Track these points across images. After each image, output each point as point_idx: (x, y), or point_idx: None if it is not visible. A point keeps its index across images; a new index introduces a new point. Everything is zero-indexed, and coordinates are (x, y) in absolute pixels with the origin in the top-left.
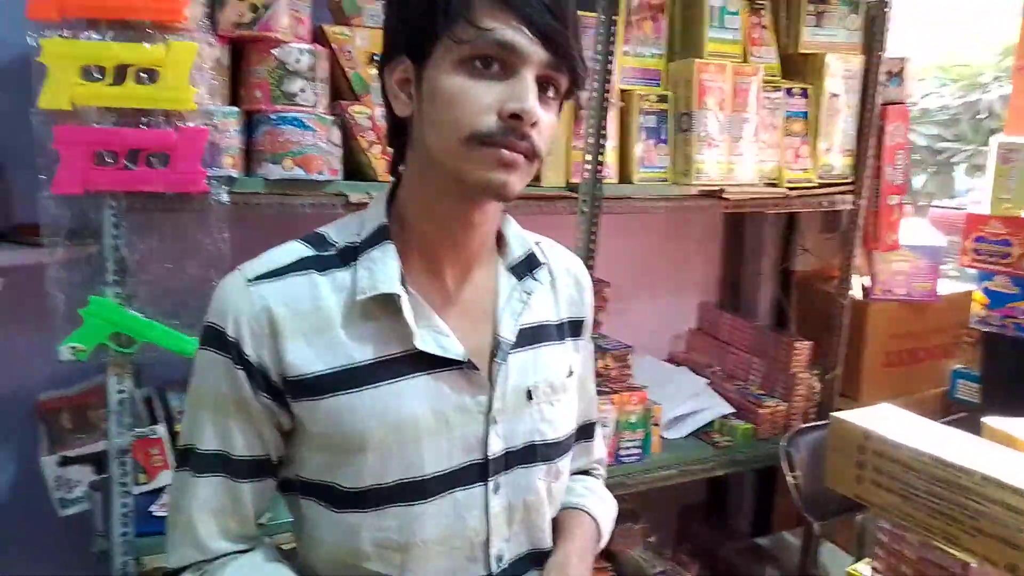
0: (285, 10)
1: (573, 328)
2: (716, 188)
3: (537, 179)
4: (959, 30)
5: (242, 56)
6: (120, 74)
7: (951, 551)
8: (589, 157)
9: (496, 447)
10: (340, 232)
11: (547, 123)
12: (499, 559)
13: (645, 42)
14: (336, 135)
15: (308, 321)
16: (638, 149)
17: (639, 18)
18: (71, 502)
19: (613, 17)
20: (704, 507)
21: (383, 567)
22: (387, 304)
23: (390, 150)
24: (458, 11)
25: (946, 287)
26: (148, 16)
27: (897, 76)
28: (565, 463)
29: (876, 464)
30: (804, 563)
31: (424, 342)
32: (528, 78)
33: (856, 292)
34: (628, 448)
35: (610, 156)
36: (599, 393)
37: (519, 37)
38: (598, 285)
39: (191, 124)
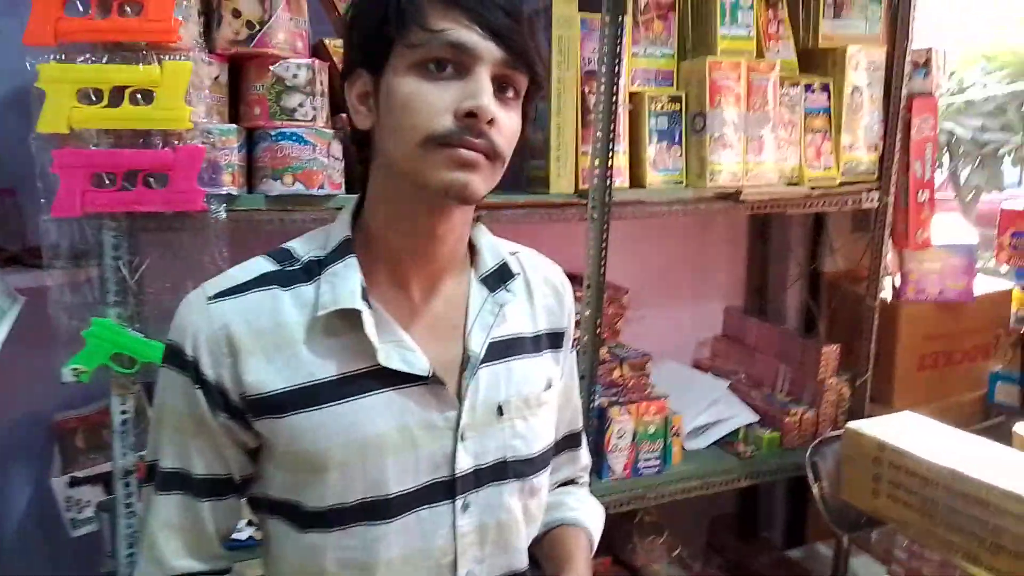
0: (282, 26)
1: (552, 340)
2: (733, 190)
3: (546, 186)
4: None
5: (240, 73)
6: (117, 96)
7: (971, 569)
8: (598, 162)
9: (464, 464)
10: (305, 246)
11: (507, 123)
12: None
13: (655, 42)
14: (337, 148)
15: (268, 338)
16: (650, 152)
17: (648, 18)
18: (81, 522)
19: (620, 17)
20: (734, 518)
21: None
22: (350, 319)
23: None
24: (409, 16)
25: (983, 285)
26: (142, 38)
27: (924, 67)
28: (542, 479)
29: (892, 477)
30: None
31: (387, 358)
32: (482, 76)
33: (887, 293)
34: (647, 460)
35: (621, 160)
36: (617, 404)
37: (471, 36)
38: (616, 292)
39: (189, 143)
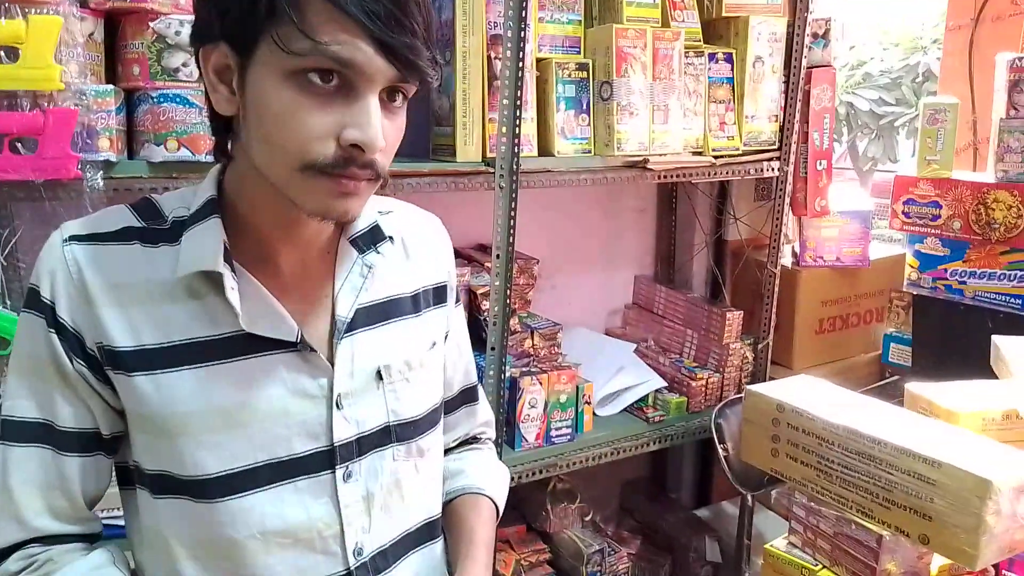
0: None
1: (436, 295)
2: (640, 159)
3: (452, 154)
4: None
5: (117, 30)
6: None
7: (865, 524)
8: (505, 129)
9: (344, 432)
10: (171, 203)
11: (393, 134)
12: (357, 552)
13: (562, 8)
14: None
15: (126, 293)
16: (558, 120)
17: None
18: None
19: None
20: (646, 481)
21: (219, 563)
22: (213, 282)
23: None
24: (284, 11)
25: (878, 251)
26: None
27: (823, 38)
28: (429, 439)
29: (790, 437)
30: (740, 533)
31: (252, 323)
32: (371, 101)
33: (787, 260)
34: (559, 428)
35: (529, 128)
36: (528, 374)
37: (360, 55)
38: (526, 262)
39: (60, 105)
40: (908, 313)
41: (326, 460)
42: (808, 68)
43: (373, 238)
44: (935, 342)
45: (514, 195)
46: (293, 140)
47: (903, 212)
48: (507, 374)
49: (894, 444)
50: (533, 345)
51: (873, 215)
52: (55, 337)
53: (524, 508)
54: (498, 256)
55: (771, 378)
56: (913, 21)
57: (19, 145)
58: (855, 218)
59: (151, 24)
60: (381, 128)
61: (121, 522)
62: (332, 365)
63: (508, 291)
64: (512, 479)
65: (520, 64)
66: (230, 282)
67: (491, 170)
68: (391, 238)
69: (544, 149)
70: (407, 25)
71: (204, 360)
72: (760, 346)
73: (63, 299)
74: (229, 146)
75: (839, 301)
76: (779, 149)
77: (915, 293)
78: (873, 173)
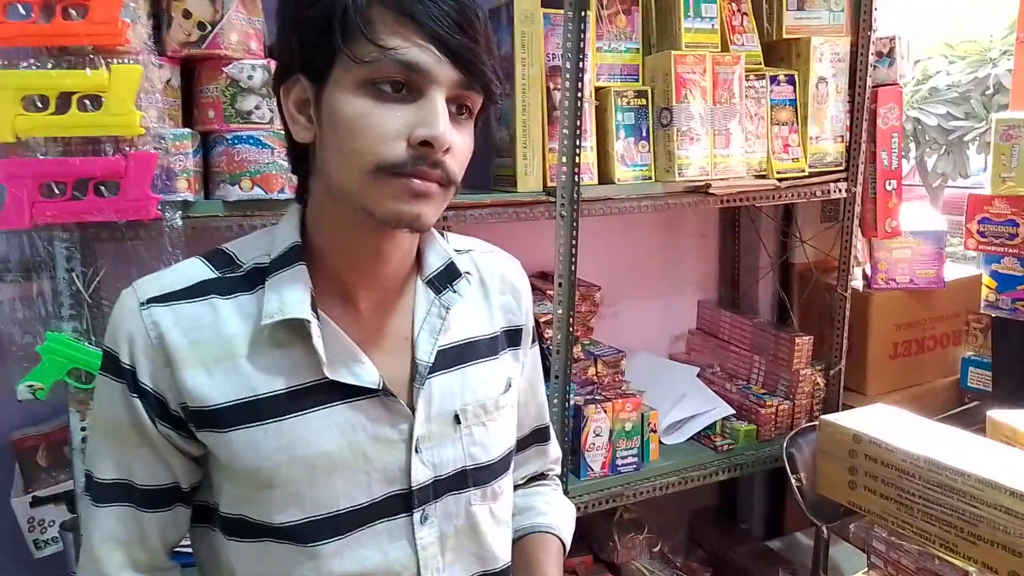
0: (235, 26)
1: (511, 338)
2: (702, 183)
3: (513, 185)
4: (965, 4)
5: (193, 76)
6: (64, 102)
7: (949, 559)
8: (565, 159)
9: (421, 476)
10: (247, 250)
11: (462, 146)
12: None
13: (619, 37)
14: None
15: (207, 350)
16: (618, 147)
17: (612, 12)
18: (45, 543)
19: (583, 12)
20: (714, 511)
21: None
22: (297, 331)
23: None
24: (357, 26)
25: (953, 272)
26: (88, 41)
27: (887, 56)
28: (503, 483)
29: (868, 468)
30: (816, 566)
31: (335, 371)
32: (438, 100)
33: (858, 283)
34: (625, 457)
35: (589, 156)
36: (592, 402)
37: (426, 57)
38: (588, 290)
39: (141, 149)
40: (987, 336)
41: (403, 503)
42: (873, 87)
43: (449, 276)
44: (1016, 366)
45: (575, 223)
46: (365, 143)
47: (978, 231)
48: (571, 402)
49: (978, 476)
50: (597, 373)
51: (946, 234)
52: (137, 401)
53: (590, 538)
54: (560, 284)
55: (845, 405)
56: (980, 33)
57: (103, 188)
58: (928, 238)
59: (224, 69)
60: (448, 127)
61: (189, 549)
62: (412, 409)
63: (571, 319)
64: (578, 509)
65: (579, 94)
66: (316, 330)
67: (552, 199)
68: (468, 274)
69: (604, 177)
70: (469, 32)
71: (289, 412)
72: (832, 372)
73: (144, 364)
74: (308, 182)
75: (914, 324)
76: (846, 170)
77: (993, 315)
78: (944, 189)
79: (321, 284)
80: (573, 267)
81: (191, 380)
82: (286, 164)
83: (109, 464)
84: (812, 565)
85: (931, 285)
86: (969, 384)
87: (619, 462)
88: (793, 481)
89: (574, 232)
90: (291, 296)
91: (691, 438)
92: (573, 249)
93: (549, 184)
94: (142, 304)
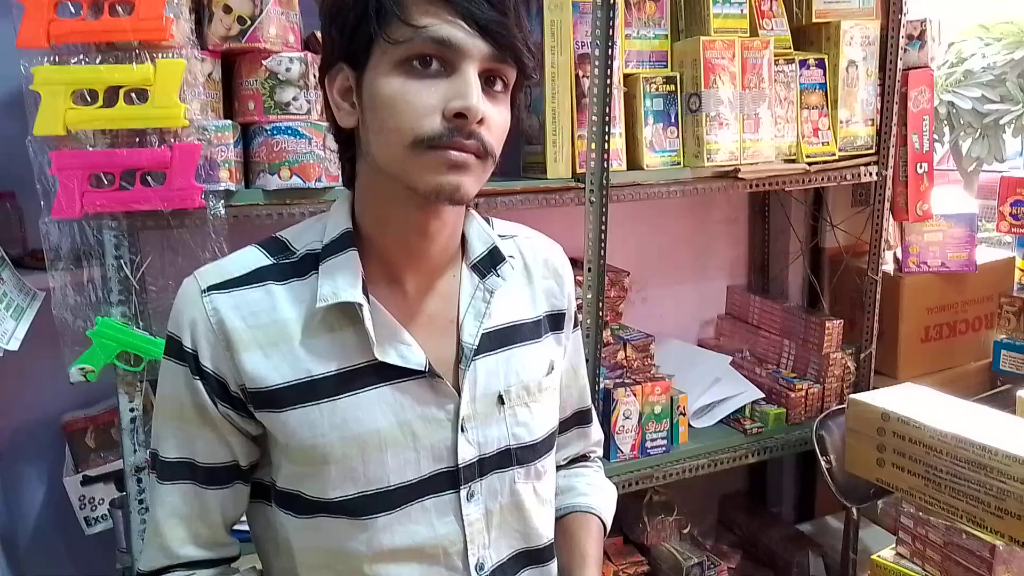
0: (273, 20)
1: (554, 322)
2: (731, 168)
3: (543, 171)
4: None
5: (233, 69)
6: (112, 96)
7: (977, 533)
8: (594, 145)
9: (467, 454)
10: (301, 237)
11: (497, 119)
12: (480, 567)
13: (648, 23)
14: (332, 141)
15: (265, 333)
16: (647, 133)
17: None
18: (95, 520)
19: (612, 0)
20: (744, 495)
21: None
22: (348, 314)
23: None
24: (391, 10)
25: (985, 255)
26: (134, 37)
27: (918, 39)
28: (546, 463)
29: (896, 446)
30: (846, 547)
31: (385, 352)
32: (470, 73)
33: (889, 266)
34: (654, 440)
35: (618, 143)
36: (622, 385)
37: (456, 32)
38: (617, 275)
39: (185, 140)
40: (1019, 319)
41: (451, 480)
42: (904, 70)
43: (492, 261)
44: None
45: (604, 209)
46: (403, 119)
47: (1011, 214)
48: (601, 386)
49: (1005, 451)
50: (626, 357)
51: (979, 218)
52: (199, 384)
53: (620, 520)
54: (589, 269)
55: (875, 388)
56: (1017, 14)
57: (149, 178)
58: (960, 221)
59: (264, 62)
60: (481, 99)
61: (246, 527)
62: (458, 390)
63: (600, 304)
64: None
65: (608, 81)
66: (367, 313)
67: (581, 186)
68: (511, 257)
69: (633, 163)
70: (498, 5)
71: (342, 392)
72: (863, 355)
73: (205, 348)
74: (355, 168)
75: (945, 308)
76: (877, 153)
77: None
78: (978, 174)
79: (370, 268)
80: (602, 252)
81: (249, 363)
82: (323, 154)
83: (172, 443)
84: (842, 547)
85: (963, 268)
86: (1001, 367)
87: (648, 444)
88: (823, 463)
89: (603, 218)
90: (343, 280)
91: (720, 422)
92: (602, 235)
93: (578, 171)
94: (203, 291)
